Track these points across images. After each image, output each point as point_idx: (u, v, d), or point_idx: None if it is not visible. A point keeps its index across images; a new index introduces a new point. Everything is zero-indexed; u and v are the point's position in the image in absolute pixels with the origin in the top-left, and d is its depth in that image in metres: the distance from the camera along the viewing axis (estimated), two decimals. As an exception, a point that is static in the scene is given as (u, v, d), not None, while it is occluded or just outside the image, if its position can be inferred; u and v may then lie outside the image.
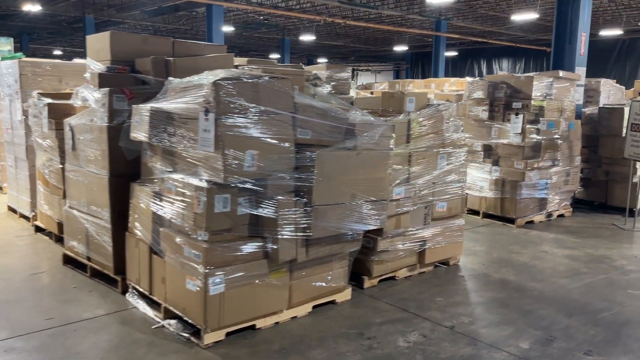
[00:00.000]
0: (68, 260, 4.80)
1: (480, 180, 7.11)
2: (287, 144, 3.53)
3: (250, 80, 3.35)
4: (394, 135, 4.04)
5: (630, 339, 3.68)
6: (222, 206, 3.34)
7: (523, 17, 15.37)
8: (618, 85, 9.14)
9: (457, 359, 3.34)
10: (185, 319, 3.54)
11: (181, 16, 19.35)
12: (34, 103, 5.38)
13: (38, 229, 5.81)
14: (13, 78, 6.12)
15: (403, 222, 4.50)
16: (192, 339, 3.45)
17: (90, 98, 4.32)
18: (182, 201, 3.47)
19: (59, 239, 5.24)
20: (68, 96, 4.95)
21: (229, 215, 3.38)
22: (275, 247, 3.52)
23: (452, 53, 25.66)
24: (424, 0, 15.44)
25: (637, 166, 7.07)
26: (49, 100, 5.12)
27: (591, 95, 8.60)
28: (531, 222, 6.97)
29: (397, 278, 4.67)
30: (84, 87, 4.51)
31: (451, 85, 12.86)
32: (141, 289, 3.96)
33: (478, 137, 7.15)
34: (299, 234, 3.58)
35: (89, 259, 4.51)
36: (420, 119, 4.57)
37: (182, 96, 3.55)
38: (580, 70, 7.52)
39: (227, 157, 3.27)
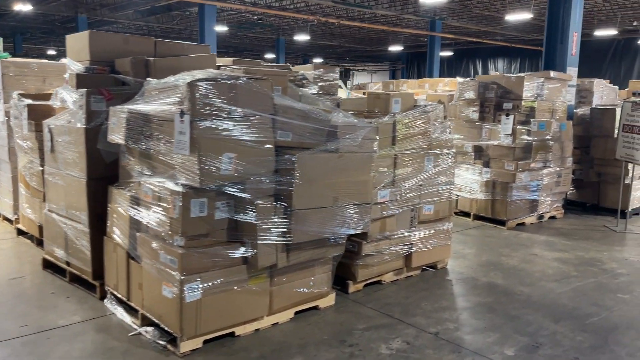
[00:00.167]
0: (48, 265, 4.70)
1: (471, 181, 7.03)
2: (266, 147, 3.44)
3: (227, 82, 3.26)
4: (377, 137, 3.96)
5: (617, 345, 3.61)
6: (199, 211, 3.25)
7: (517, 17, 15.32)
8: (611, 85, 9.08)
9: (439, 367, 3.26)
10: (162, 326, 3.45)
11: (175, 16, 19.24)
12: (14, 104, 5.29)
13: (20, 232, 5.71)
14: (-5, 79, 6.01)
15: (388, 225, 4.42)
16: (169, 347, 3.36)
17: (68, 99, 4.23)
18: (159, 205, 3.38)
19: (40, 243, 5.13)
20: (49, 97, 4.85)
21: (206, 220, 3.30)
22: (254, 252, 3.44)
23: (447, 53, 25.63)
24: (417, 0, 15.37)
25: (629, 167, 7.00)
26: (29, 101, 5.02)
27: (584, 95, 8.53)
28: (522, 224, 6.90)
29: (383, 282, 4.59)
30: (62, 87, 4.41)
31: (445, 85, 12.79)
32: (119, 295, 3.87)
33: (469, 138, 7.08)
34: (279, 238, 3.50)
35: (68, 263, 4.41)
36: (406, 121, 4.49)
37: (159, 97, 3.47)
38: (572, 71, 7.45)
39: (203, 160, 3.18)
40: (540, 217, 7.14)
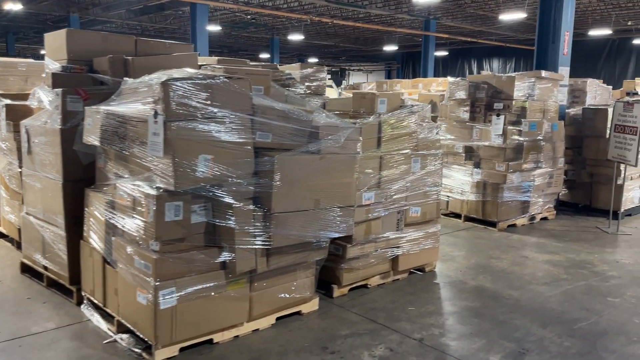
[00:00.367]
0: (26, 269, 4.59)
1: (462, 183, 6.94)
2: (245, 148, 3.34)
3: (203, 81, 3.16)
4: (360, 138, 3.86)
5: (606, 351, 3.52)
6: (174, 214, 3.15)
7: (511, 16, 15.26)
8: (605, 85, 9.01)
9: (422, 375, 3.17)
10: (137, 333, 3.35)
11: (168, 15, 19.10)
12: (-6, 104, 5.16)
13: (1, 235, 5.59)
14: (-24, 78, 5.90)
15: (374, 228, 4.32)
16: (144, 355, 3.25)
17: (44, 99, 4.11)
18: (133, 209, 3.28)
19: (20, 246, 5.01)
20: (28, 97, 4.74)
21: (182, 224, 3.19)
22: (233, 257, 3.33)
23: (442, 53, 25.57)
24: (411, -1, 15.30)
25: (621, 168, 6.93)
26: (7, 101, 4.90)
27: (577, 95, 8.46)
28: (513, 225, 6.82)
29: (369, 286, 4.50)
30: (40, 87, 4.30)
31: (438, 85, 12.70)
32: (95, 301, 3.77)
33: (460, 138, 7.00)
34: (258, 243, 3.40)
35: (45, 268, 4.30)
36: (392, 121, 4.40)
37: (134, 97, 3.36)
38: (564, 70, 7.37)
39: (178, 162, 3.07)
40: (532, 218, 7.06)
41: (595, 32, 18.90)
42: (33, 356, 3.24)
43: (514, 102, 6.65)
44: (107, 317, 3.64)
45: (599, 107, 7.72)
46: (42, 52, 27.91)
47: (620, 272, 5.14)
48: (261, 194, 3.42)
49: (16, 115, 4.81)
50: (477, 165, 6.83)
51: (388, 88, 13.77)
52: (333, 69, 32.65)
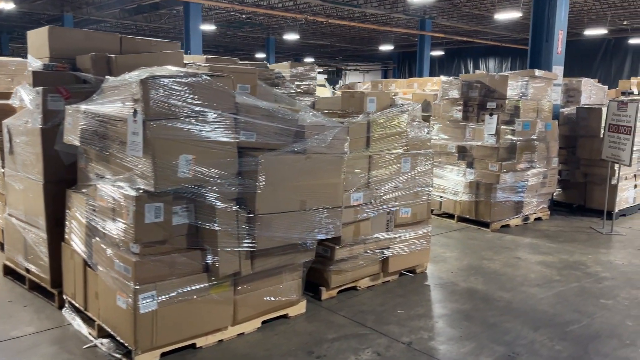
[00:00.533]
0: (9, 272, 4.50)
1: (455, 183, 6.87)
2: (228, 148, 3.25)
3: (184, 79, 3.08)
4: (348, 137, 3.78)
5: (598, 355, 3.45)
6: (154, 216, 3.06)
7: (507, 16, 15.20)
8: (600, 85, 8.96)
9: (409, 380, 3.09)
10: (118, 338, 3.26)
11: (162, 14, 18.99)
12: (-23, 103, 5.06)
13: (-14, 237, 5.49)
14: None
15: (363, 229, 4.24)
16: (124, 360, 3.17)
17: (26, 98, 4.02)
18: (113, 210, 3.19)
19: (3, 248, 4.93)
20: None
21: (163, 226, 3.11)
22: (216, 259, 3.25)
23: (439, 53, 25.52)
24: (406, -2, 15.24)
25: (616, 168, 6.86)
26: (-10, 101, 4.81)
27: (572, 95, 8.41)
28: (507, 226, 6.75)
29: (358, 288, 4.42)
30: (21, 86, 4.20)
31: (433, 84, 12.66)
32: (77, 304, 3.68)
33: (453, 138, 6.92)
34: (242, 245, 3.32)
35: (27, 270, 4.21)
36: (381, 120, 4.32)
37: (114, 96, 3.28)
38: (558, 69, 7.30)
39: (158, 163, 2.99)
40: (526, 218, 7.00)
41: (591, 32, 18.86)
42: (10, 362, 3.16)
43: (507, 102, 6.58)
44: (88, 321, 3.55)
45: (593, 107, 7.66)
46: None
47: (613, 273, 5.07)
48: (245, 194, 3.34)
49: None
50: (470, 165, 6.76)
51: (383, 88, 13.71)
52: (329, 69, 32.63)
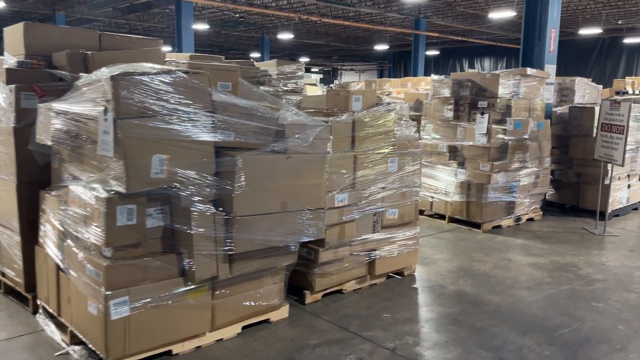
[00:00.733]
0: (-16, 275, 4.37)
1: (446, 183, 6.77)
2: (204, 147, 3.14)
3: (157, 76, 2.96)
4: (331, 137, 3.67)
5: (587, 360, 3.35)
6: (126, 218, 2.95)
7: (501, 15, 15.13)
8: (594, 84, 8.87)
9: (392, 388, 2.98)
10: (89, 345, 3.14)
11: (155, 14, 18.85)
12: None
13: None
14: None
15: (348, 231, 4.13)
16: (96, 368, 3.05)
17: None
18: (85, 212, 3.07)
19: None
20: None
21: (136, 229, 2.99)
22: (192, 263, 3.14)
23: (434, 52, 25.45)
24: (400, -3, 15.14)
25: (609, 168, 6.77)
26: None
27: (566, 94, 8.32)
28: (499, 226, 6.65)
29: (344, 292, 4.31)
30: (-4, 84, 4.08)
31: (427, 84, 12.53)
32: (50, 310, 3.56)
33: (444, 137, 6.82)
34: (219, 248, 3.20)
35: (2, 274, 4.09)
36: (367, 119, 4.21)
37: (86, 94, 3.16)
38: (550, 68, 7.21)
39: (130, 163, 2.87)
40: (518, 219, 6.90)
41: (586, 31, 18.83)
42: (-24, 370, 3.04)
43: (498, 101, 6.49)
44: (62, 327, 3.43)
45: (586, 106, 7.57)
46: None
47: (605, 275, 4.98)
48: (223, 196, 3.23)
49: (-25, 113, 4.59)
50: (461, 165, 6.66)
51: (377, 87, 13.60)
52: (325, 69, 32.51)
